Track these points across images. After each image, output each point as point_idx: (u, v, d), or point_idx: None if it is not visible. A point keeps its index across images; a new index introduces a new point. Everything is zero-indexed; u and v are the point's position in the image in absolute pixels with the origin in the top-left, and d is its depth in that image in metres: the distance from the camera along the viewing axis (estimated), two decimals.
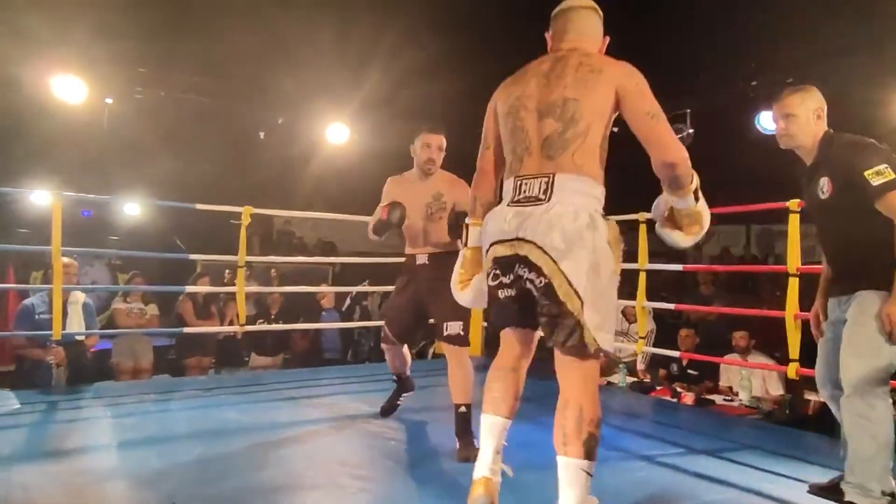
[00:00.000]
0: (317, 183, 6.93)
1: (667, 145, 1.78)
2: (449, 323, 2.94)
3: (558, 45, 1.96)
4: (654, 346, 5.17)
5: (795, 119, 2.30)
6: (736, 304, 5.70)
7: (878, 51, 3.86)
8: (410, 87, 5.69)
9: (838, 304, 2.34)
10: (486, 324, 5.67)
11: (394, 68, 5.63)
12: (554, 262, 1.72)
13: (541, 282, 1.76)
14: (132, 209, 9.98)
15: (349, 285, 7.83)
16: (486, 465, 1.89)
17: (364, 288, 6.95)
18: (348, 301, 7.83)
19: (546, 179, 1.79)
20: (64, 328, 3.96)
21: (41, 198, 7.96)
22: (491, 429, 1.92)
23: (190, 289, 5.30)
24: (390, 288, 6.06)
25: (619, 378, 5.05)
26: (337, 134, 5.82)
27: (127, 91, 5.37)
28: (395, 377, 3.47)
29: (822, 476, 2.52)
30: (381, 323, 6.70)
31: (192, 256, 4.74)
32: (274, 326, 5.79)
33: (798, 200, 3.23)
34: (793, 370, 3.27)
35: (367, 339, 8.08)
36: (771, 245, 10.65)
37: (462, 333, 2.95)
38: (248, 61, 5.72)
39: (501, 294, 1.88)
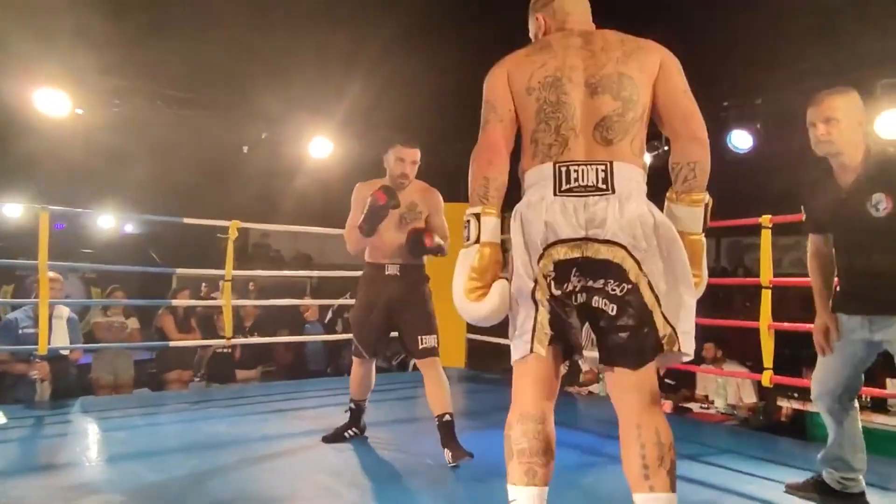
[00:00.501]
0: (300, 197, 6.98)
1: (699, 120, 1.58)
2: (423, 337, 2.94)
3: (563, 25, 1.70)
4: None
5: (837, 124, 2.13)
6: (706, 316, 5.88)
7: (844, 76, 4.08)
8: (393, 99, 5.79)
9: (869, 324, 2.19)
10: (469, 335, 5.77)
11: (375, 81, 5.72)
12: (638, 263, 1.47)
13: (623, 289, 1.47)
14: (106, 222, 9.84)
15: (329, 298, 7.87)
16: None
17: (347, 301, 6.98)
18: (330, 314, 7.88)
19: (603, 167, 1.50)
20: (49, 343, 3.94)
21: (13, 210, 7.88)
22: None
23: (177, 302, 5.30)
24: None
25: (600, 388, 5.18)
26: (320, 148, 5.88)
27: (106, 103, 5.36)
28: (352, 405, 3.24)
29: (797, 476, 2.65)
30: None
31: (180, 271, 4.73)
32: (260, 339, 5.80)
33: (769, 216, 3.39)
34: (767, 378, 3.41)
35: (347, 352, 8.15)
36: (740, 257, 10.94)
37: (435, 345, 2.96)
38: (231, 76, 5.77)
39: (560, 310, 1.51)
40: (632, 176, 1.54)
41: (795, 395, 4.87)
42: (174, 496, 2.44)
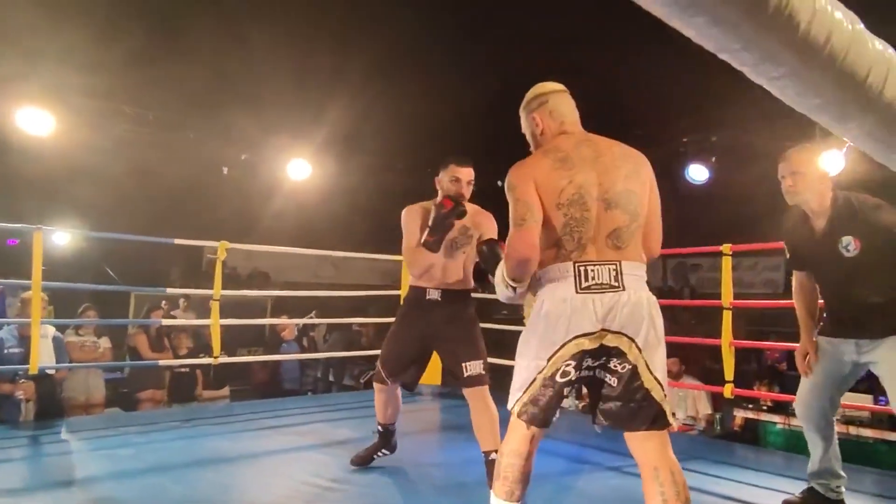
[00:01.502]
0: (277, 217, 7.10)
1: (661, 237, 1.98)
2: (468, 363, 2.76)
3: (563, 128, 1.97)
4: None
5: (803, 177, 2.41)
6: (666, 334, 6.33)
7: (787, 118, 4.58)
8: (372, 125, 6.02)
9: (856, 347, 2.46)
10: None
11: (355, 107, 5.93)
12: (639, 350, 1.78)
13: (624, 367, 1.80)
14: (60, 238, 9.60)
15: (288, 316, 7.94)
16: None
17: (313, 320, 7.10)
18: (295, 332, 7.96)
19: (614, 267, 1.81)
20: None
21: None
22: None
23: (170, 322, 5.35)
24: (339, 320, 6.23)
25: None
26: (298, 170, 6.03)
27: (87, 123, 5.39)
28: (379, 428, 3.12)
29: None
30: (332, 354, 6.73)
31: (170, 291, 4.79)
32: (246, 358, 5.88)
33: (730, 245, 3.79)
34: (729, 390, 3.78)
35: (313, 370, 8.23)
36: (685, 277, 11.60)
37: (483, 373, 2.78)
38: (213, 99, 5.88)
39: (560, 385, 1.83)
40: (637, 272, 1.85)
41: (750, 405, 5.33)
42: None
